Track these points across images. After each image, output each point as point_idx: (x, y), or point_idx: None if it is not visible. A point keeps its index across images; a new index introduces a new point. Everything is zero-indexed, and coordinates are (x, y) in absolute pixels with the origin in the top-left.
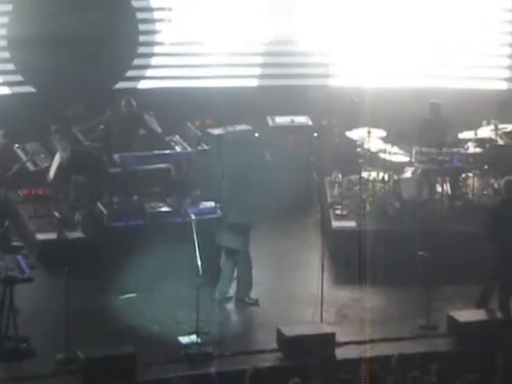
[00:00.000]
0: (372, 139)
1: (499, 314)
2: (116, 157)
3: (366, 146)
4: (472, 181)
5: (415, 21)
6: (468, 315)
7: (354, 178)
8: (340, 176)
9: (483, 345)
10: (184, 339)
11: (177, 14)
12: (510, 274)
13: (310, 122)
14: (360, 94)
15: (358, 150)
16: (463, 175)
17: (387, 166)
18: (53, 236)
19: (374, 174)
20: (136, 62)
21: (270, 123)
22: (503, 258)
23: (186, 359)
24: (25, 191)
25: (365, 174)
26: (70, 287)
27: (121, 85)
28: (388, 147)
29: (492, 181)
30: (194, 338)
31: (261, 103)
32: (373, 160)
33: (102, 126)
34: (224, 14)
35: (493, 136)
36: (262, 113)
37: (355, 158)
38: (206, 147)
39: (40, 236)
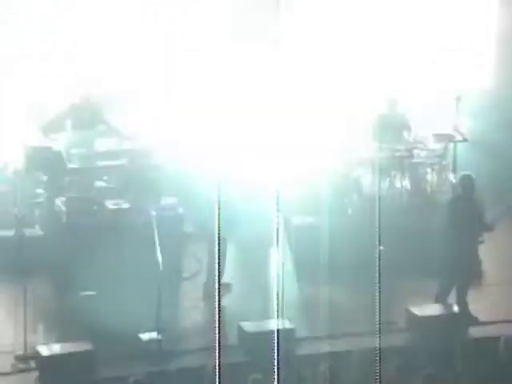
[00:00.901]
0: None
1: (456, 309)
2: (75, 153)
3: None
4: (431, 176)
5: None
6: (426, 310)
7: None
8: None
9: (441, 339)
10: (144, 336)
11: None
12: (465, 269)
13: None
14: None
15: None
16: (422, 171)
17: (348, 161)
18: (10, 233)
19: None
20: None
21: None
22: (458, 252)
23: (147, 356)
24: None
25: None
26: (29, 284)
27: (80, 79)
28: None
29: (450, 176)
30: (154, 334)
31: None
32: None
33: (60, 122)
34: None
35: (451, 132)
36: None
37: None
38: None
39: None
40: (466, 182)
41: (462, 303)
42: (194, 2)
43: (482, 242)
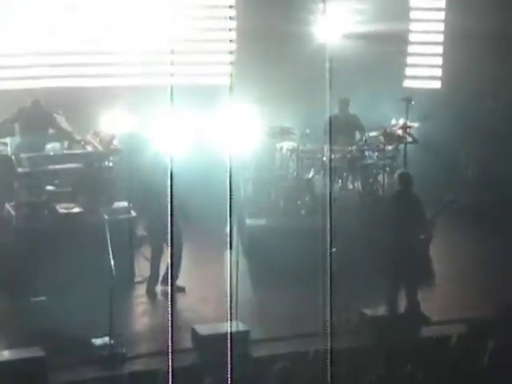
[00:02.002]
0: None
1: (409, 309)
2: (25, 157)
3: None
4: (382, 177)
5: None
6: (378, 311)
7: (267, 175)
8: (253, 173)
9: (394, 340)
10: (97, 341)
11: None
12: (411, 268)
13: None
14: None
15: None
16: (373, 172)
17: (300, 163)
18: None
19: (286, 172)
20: (45, 59)
21: None
22: (401, 250)
23: (99, 361)
24: None
25: (278, 172)
26: None
27: (29, 83)
28: (301, 144)
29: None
30: (106, 339)
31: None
32: (285, 157)
33: (9, 126)
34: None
35: (401, 133)
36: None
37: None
38: (118, 146)
39: None
40: (404, 180)
41: (413, 303)
42: None
43: (429, 241)
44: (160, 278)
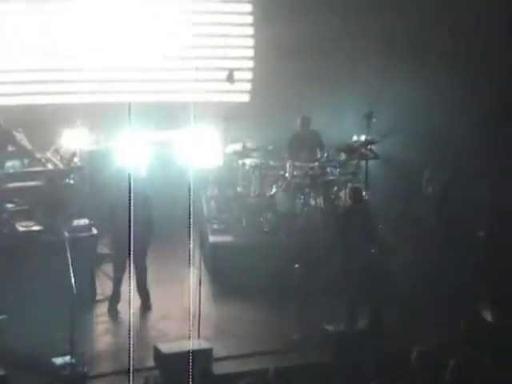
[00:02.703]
0: (247, 153)
1: (371, 326)
2: None
3: (241, 160)
4: (344, 193)
5: None
6: (341, 327)
7: (230, 192)
8: (216, 190)
9: (355, 356)
10: (58, 360)
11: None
12: (365, 283)
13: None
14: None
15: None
16: (335, 188)
17: (262, 180)
18: None
19: (249, 189)
20: (4, 77)
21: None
22: (355, 265)
23: (60, 380)
24: None
25: (240, 189)
26: None
27: None
28: (263, 161)
29: (363, 193)
30: (67, 358)
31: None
32: (248, 174)
33: None
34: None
35: (363, 149)
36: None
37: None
38: (78, 164)
39: None
40: (355, 194)
41: (375, 320)
42: None
43: (387, 255)
44: (121, 296)
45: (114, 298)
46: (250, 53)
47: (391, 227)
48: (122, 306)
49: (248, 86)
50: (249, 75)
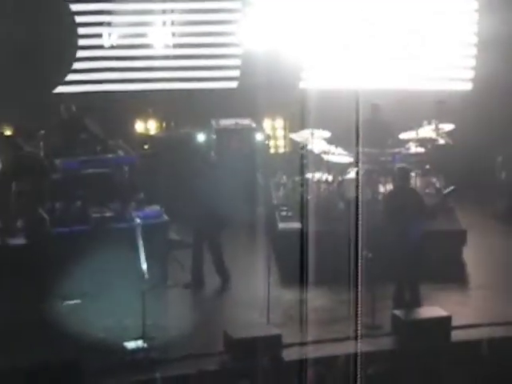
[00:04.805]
0: (315, 140)
1: (441, 311)
2: (58, 162)
3: (309, 147)
4: (414, 180)
5: (358, 21)
6: (412, 314)
7: (298, 179)
8: (285, 177)
9: (425, 343)
10: (130, 344)
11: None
12: (411, 264)
13: (254, 124)
14: (303, 95)
15: (302, 151)
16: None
17: (331, 167)
18: None
19: (317, 175)
20: (77, 65)
21: (215, 126)
22: (402, 246)
23: (132, 365)
24: None
25: (309, 175)
26: (14, 294)
27: (61, 89)
28: (332, 148)
29: (433, 180)
30: (140, 343)
31: (206, 106)
32: (316, 161)
33: (42, 131)
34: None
35: (433, 136)
36: (207, 116)
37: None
38: (149, 150)
39: None
40: (402, 173)
41: (416, 303)
42: None
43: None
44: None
45: (187, 283)
46: None
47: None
48: (193, 291)
49: None
50: None
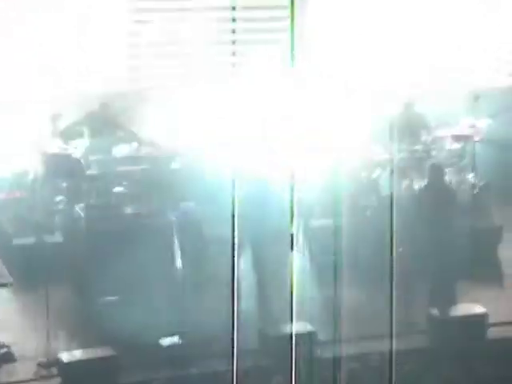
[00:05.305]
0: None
1: (477, 308)
2: (94, 159)
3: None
4: (449, 177)
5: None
6: (447, 311)
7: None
8: None
9: (460, 341)
10: (165, 341)
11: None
12: (444, 263)
13: None
14: None
15: None
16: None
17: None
18: (31, 240)
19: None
20: (114, 62)
21: None
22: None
23: (168, 361)
24: (2, 195)
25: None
26: (50, 291)
27: (98, 86)
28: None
29: (469, 176)
30: (175, 339)
31: None
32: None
33: (78, 128)
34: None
35: (470, 132)
36: None
37: None
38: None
39: (18, 240)
40: (434, 171)
41: (451, 300)
42: None
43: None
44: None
45: (221, 279)
46: None
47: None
48: (228, 288)
49: None
50: None
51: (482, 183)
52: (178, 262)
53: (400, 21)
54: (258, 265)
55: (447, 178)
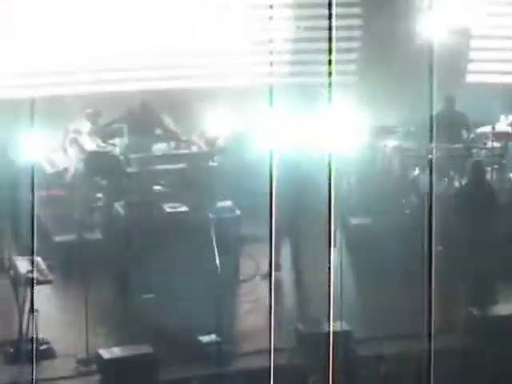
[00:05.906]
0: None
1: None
2: (133, 157)
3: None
4: (490, 176)
5: None
6: (487, 311)
7: (371, 173)
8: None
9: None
10: (204, 338)
11: None
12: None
13: None
14: None
15: None
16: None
17: (404, 161)
18: (71, 237)
19: (391, 170)
20: (154, 61)
21: None
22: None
23: (206, 358)
24: (43, 192)
25: (381, 170)
26: (90, 288)
27: (137, 85)
28: (404, 142)
29: (510, 175)
30: (213, 336)
31: None
32: (389, 156)
33: (117, 126)
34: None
35: (510, 130)
36: None
37: None
38: (222, 146)
39: (58, 238)
40: (476, 169)
41: (491, 299)
42: None
43: None
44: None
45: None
46: None
47: None
48: (266, 286)
49: None
50: None
51: None
52: (216, 260)
53: None
54: (297, 263)
55: (488, 176)
